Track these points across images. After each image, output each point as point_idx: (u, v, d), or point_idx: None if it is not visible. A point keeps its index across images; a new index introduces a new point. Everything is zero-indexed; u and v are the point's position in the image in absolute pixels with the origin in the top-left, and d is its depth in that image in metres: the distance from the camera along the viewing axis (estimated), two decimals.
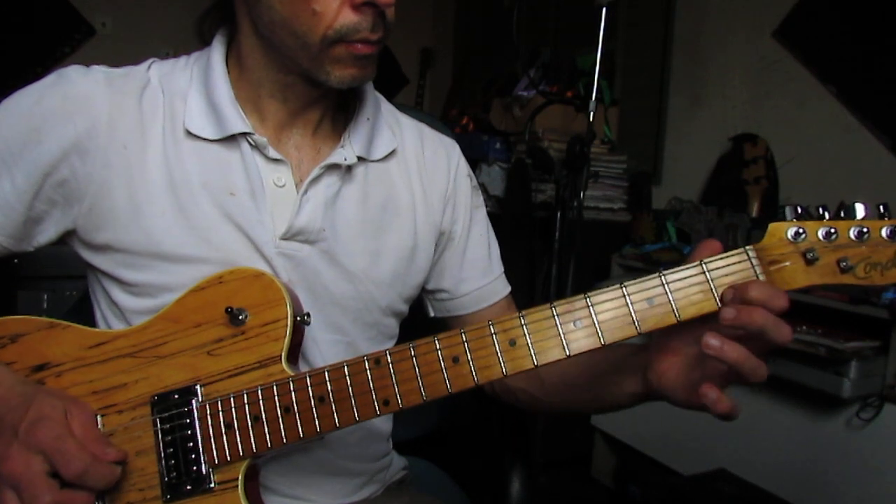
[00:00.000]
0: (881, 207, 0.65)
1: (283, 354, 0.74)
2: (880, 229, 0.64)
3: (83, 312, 0.89)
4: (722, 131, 2.46)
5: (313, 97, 0.82)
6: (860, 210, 0.64)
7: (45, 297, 2.28)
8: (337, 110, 0.87)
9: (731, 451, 1.93)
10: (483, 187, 2.75)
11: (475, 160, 2.80)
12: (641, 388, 0.74)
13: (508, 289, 0.99)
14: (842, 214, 0.65)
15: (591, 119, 2.10)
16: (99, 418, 0.76)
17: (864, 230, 0.64)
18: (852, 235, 0.64)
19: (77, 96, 0.76)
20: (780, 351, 1.73)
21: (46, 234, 0.80)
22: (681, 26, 2.67)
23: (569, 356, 0.66)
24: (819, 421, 1.74)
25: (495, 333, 0.68)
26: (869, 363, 1.62)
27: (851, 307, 1.65)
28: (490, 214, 1.01)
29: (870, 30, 2.03)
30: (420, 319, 0.97)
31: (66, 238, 0.82)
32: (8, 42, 3.30)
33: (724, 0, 2.49)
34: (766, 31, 2.31)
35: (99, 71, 0.79)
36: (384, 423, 0.97)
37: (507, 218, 2.53)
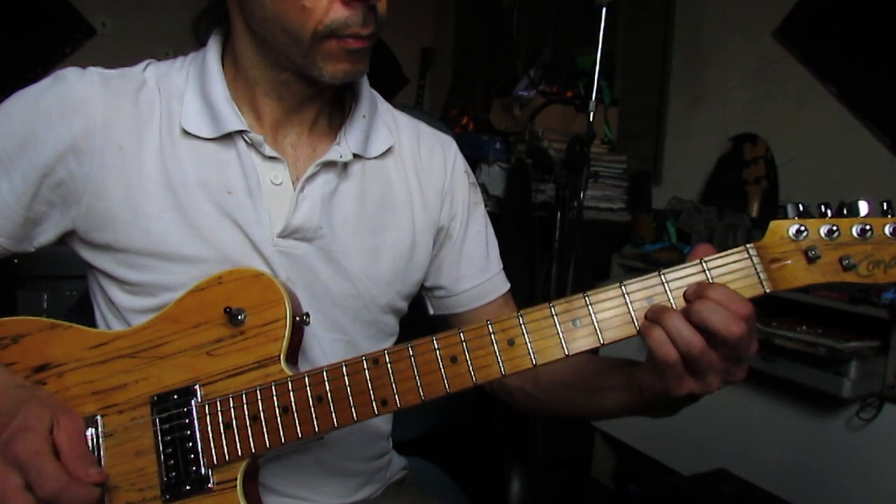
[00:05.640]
0: (885, 205, 0.64)
1: (281, 355, 0.74)
2: (884, 226, 0.63)
3: (83, 312, 0.89)
4: (722, 131, 2.45)
5: (308, 94, 0.82)
6: (863, 207, 0.64)
7: (45, 297, 2.27)
8: (333, 108, 0.87)
9: (731, 451, 1.93)
10: (483, 187, 2.75)
11: (475, 160, 2.79)
12: (629, 397, 0.73)
13: (507, 286, 0.99)
14: (844, 212, 0.64)
15: (591, 119, 2.10)
16: (99, 418, 0.76)
17: (867, 227, 0.63)
18: (855, 233, 0.63)
19: (73, 98, 0.76)
20: (781, 351, 1.73)
21: (46, 235, 0.80)
22: (681, 26, 2.66)
23: (568, 355, 0.66)
24: (819, 421, 1.74)
25: (494, 333, 0.67)
26: (869, 363, 1.61)
27: (851, 307, 1.64)
28: (490, 214, 1.00)
29: (870, 30, 2.03)
30: (422, 317, 0.97)
31: (67, 238, 0.82)
32: (8, 42, 3.29)
33: (724, 0, 2.49)
34: (766, 31, 2.31)
35: (94, 72, 0.79)
36: (383, 423, 0.96)
37: (507, 218, 2.53)
